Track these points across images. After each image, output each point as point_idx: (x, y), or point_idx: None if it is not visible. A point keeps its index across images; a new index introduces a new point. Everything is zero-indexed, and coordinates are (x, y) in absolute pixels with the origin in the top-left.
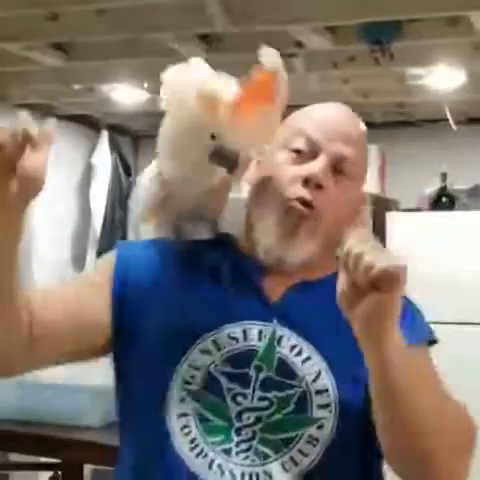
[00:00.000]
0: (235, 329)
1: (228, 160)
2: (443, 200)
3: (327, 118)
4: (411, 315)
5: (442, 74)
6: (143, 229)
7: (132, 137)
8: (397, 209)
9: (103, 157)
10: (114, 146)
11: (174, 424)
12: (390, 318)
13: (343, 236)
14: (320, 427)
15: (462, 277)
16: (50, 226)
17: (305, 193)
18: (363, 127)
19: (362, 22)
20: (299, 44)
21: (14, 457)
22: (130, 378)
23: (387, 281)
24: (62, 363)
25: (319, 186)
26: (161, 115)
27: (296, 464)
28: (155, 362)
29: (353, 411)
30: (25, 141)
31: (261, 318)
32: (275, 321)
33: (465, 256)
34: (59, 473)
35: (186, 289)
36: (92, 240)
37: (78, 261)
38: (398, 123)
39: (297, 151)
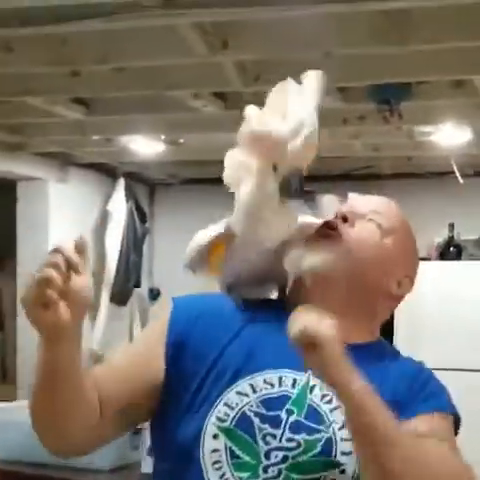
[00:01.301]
0: (272, 375)
1: (295, 185)
2: (451, 250)
3: (369, 197)
4: (423, 382)
5: (449, 132)
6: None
7: (148, 185)
8: None
9: (119, 204)
10: (130, 193)
11: (207, 459)
12: (326, 370)
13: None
14: (342, 472)
15: (470, 324)
16: None
17: (333, 223)
18: (400, 211)
19: (371, 83)
20: None
21: None
22: (170, 414)
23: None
24: (129, 430)
25: (344, 218)
26: (177, 164)
27: None
28: (196, 400)
29: None
30: (69, 269)
31: (297, 368)
32: (310, 372)
33: (472, 304)
34: None
35: (233, 335)
36: (106, 284)
37: (92, 303)
38: (407, 175)
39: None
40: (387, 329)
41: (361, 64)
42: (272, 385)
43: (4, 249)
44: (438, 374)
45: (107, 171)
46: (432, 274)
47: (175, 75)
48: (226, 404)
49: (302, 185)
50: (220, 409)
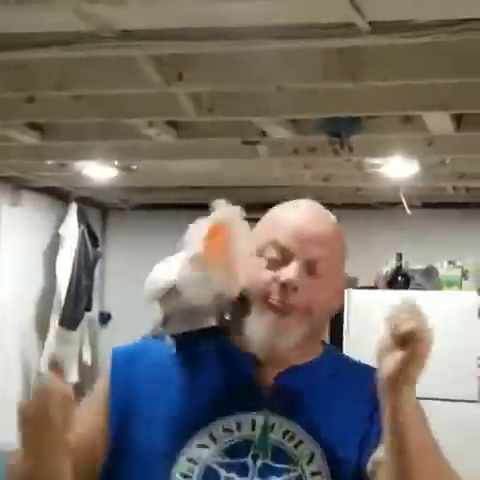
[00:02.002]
0: (229, 421)
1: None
2: (399, 279)
3: (298, 225)
4: None
5: (398, 164)
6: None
7: (101, 209)
8: (355, 287)
9: (71, 228)
10: (82, 218)
11: None
12: (409, 375)
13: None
14: None
15: None
16: (16, 292)
17: (284, 297)
18: (334, 223)
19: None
20: (263, 133)
21: None
22: (126, 475)
23: (408, 339)
24: None
25: (295, 289)
26: (129, 190)
27: None
28: (153, 461)
29: None
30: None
31: (253, 409)
32: (266, 410)
33: None
34: None
35: (180, 386)
36: (56, 308)
37: (41, 326)
38: (357, 205)
39: (271, 259)
40: None
41: (313, 98)
42: (231, 431)
43: None
44: None
45: (60, 195)
46: (380, 303)
47: (131, 104)
48: (189, 459)
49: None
50: (183, 465)
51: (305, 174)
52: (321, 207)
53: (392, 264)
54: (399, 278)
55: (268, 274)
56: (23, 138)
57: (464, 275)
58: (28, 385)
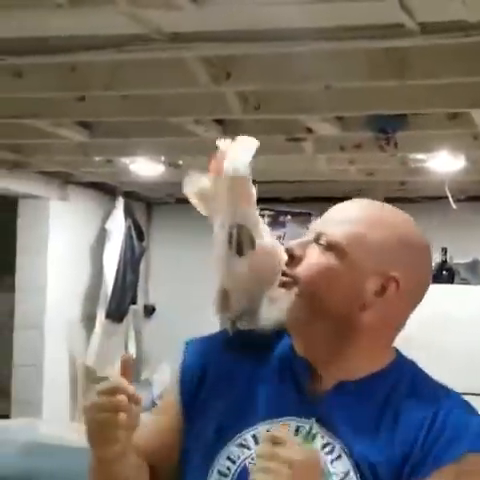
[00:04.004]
0: (275, 425)
1: (236, 240)
2: (443, 273)
3: (330, 210)
4: (442, 425)
5: (443, 159)
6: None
7: (145, 203)
8: None
9: (118, 222)
10: (129, 212)
11: None
12: None
13: None
14: None
15: (461, 347)
16: (63, 285)
17: (286, 268)
18: (373, 210)
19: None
20: (309, 130)
21: None
22: (184, 467)
23: None
24: None
25: (292, 257)
26: (174, 184)
27: None
28: (201, 454)
29: None
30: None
31: (301, 415)
32: (313, 420)
33: (464, 327)
34: None
35: (239, 385)
36: (102, 301)
37: (88, 320)
38: (401, 199)
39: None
40: None
41: (359, 96)
42: None
43: (3, 264)
44: None
45: (106, 190)
46: (425, 297)
47: (179, 103)
48: (228, 457)
49: (244, 240)
50: (222, 463)
51: (350, 169)
52: (379, 204)
53: (436, 258)
54: (444, 272)
55: None
56: (73, 135)
57: None
58: (75, 375)
